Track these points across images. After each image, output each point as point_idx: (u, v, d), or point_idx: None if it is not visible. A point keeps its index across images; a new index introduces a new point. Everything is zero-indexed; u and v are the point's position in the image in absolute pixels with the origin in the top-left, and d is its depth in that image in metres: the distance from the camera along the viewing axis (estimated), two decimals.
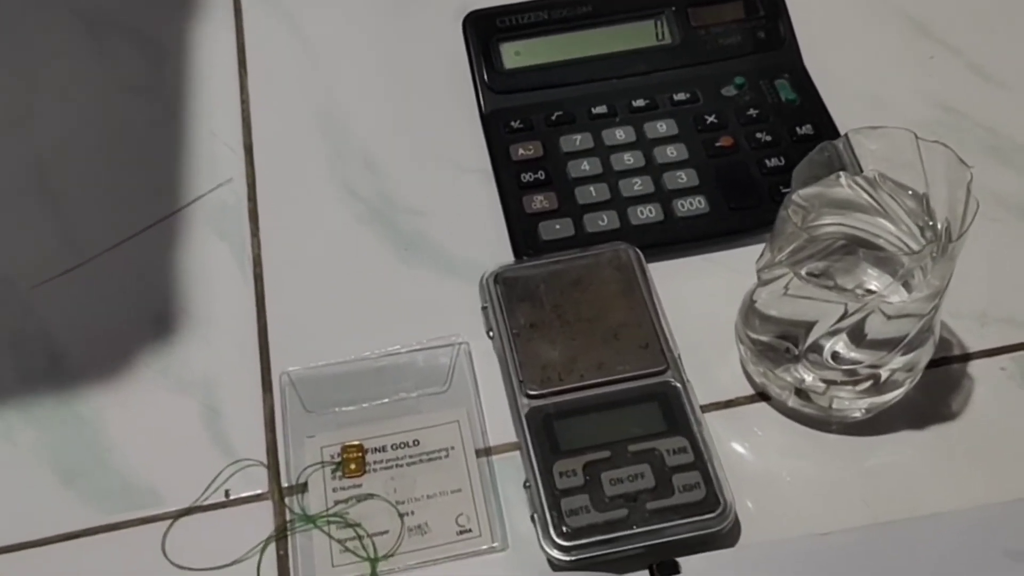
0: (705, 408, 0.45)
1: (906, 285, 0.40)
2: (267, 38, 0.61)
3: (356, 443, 0.44)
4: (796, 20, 0.56)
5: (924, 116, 0.55)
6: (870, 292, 0.41)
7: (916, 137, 0.40)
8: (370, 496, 0.43)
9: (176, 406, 0.46)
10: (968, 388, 0.45)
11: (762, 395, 0.46)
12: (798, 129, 0.53)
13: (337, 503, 0.43)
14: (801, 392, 0.44)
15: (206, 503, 0.43)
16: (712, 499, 0.40)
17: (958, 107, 0.55)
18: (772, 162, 0.52)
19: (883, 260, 0.41)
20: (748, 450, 0.44)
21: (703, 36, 0.56)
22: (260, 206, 0.53)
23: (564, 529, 0.40)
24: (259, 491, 0.44)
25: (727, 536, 0.41)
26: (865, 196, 0.42)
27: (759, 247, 0.43)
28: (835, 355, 0.42)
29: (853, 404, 0.44)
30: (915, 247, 0.41)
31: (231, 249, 0.52)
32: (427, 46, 0.59)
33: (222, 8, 0.62)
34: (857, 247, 0.40)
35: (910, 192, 0.41)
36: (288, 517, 0.43)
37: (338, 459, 0.44)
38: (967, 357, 0.46)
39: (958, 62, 0.58)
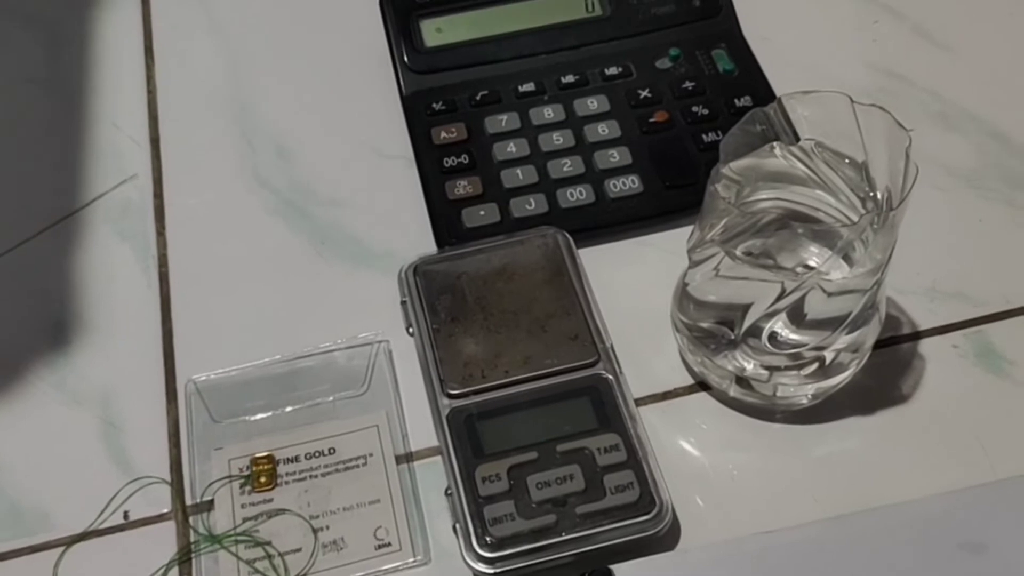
0: (641, 401, 0.42)
1: (847, 259, 0.38)
2: (176, 24, 0.57)
3: (266, 454, 0.41)
4: None
5: (868, 83, 0.52)
6: (809, 269, 0.38)
7: (852, 101, 0.37)
8: (281, 511, 0.40)
9: (72, 421, 0.43)
10: (919, 368, 0.43)
11: (702, 385, 0.43)
12: (736, 101, 0.50)
13: (246, 520, 0.39)
14: (742, 380, 0.41)
15: (103, 527, 0.40)
16: (647, 500, 0.37)
17: (903, 72, 0.53)
18: (710, 137, 0.49)
19: (821, 234, 0.38)
20: (688, 444, 0.41)
21: (635, 6, 0.53)
22: (166, 202, 0.50)
23: (488, 539, 0.37)
24: (161, 511, 0.40)
25: (664, 539, 0.38)
26: (801, 167, 0.40)
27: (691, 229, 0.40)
28: (775, 337, 0.39)
29: (798, 390, 0.41)
30: (855, 219, 0.38)
31: (134, 250, 0.48)
32: (343, 26, 0.56)
33: None
34: (791, 222, 0.37)
35: (848, 161, 0.39)
36: (192, 538, 0.39)
37: (247, 472, 0.40)
38: (917, 335, 0.44)
39: (902, 26, 0.55)
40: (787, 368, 0.40)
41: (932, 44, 0.54)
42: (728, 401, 0.42)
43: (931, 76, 0.52)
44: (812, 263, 0.38)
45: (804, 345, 0.39)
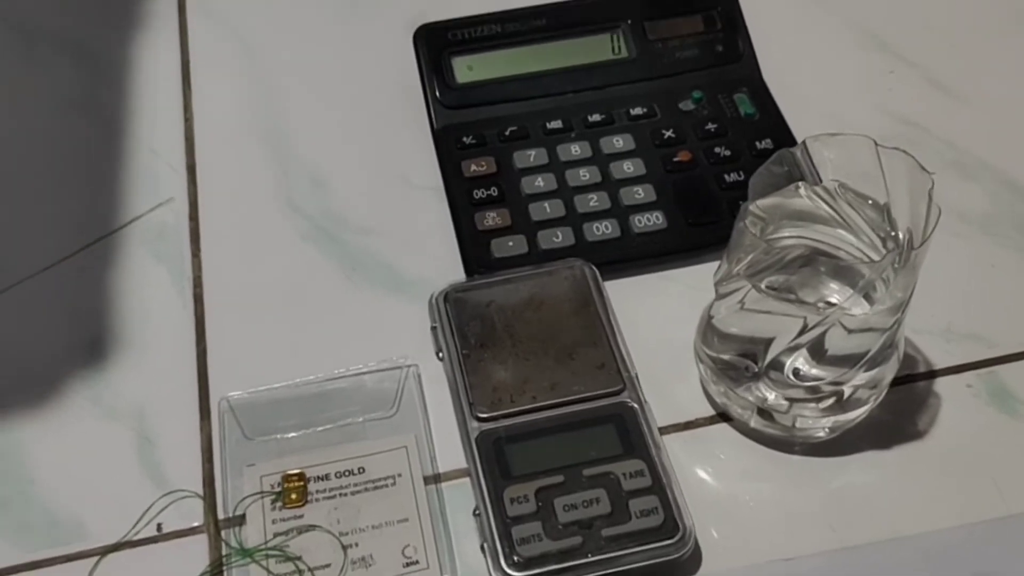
0: (664, 430, 0.43)
1: (868, 298, 0.39)
2: (212, 55, 0.59)
3: (298, 472, 0.42)
4: (754, 34, 0.55)
5: (884, 130, 0.54)
6: (830, 305, 0.39)
7: (875, 144, 0.39)
8: (312, 527, 0.40)
9: (107, 435, 0.44)
10: (934, 406, 0.44)
11: (723, 416, 0.44)
12: (757, 143, 0.52)
13: (276, 535, 0.40)
14: (763, 412, 0.42)
15: (136, 538, 0.41)
16: (671, 525, 0.38)
17: (918, 121, 0.55)
18: (731, 177, 0.51)
19: (844, 271, 0.39)
20: (709, 474, 0.42)
21: (660, 50, 0.55)
22: (202, 226, 0.51)
23: (515, 559, 0.38)
24: (194, 524, 0.41)
25: (687, 564, 0.39)
26: (824, 207, 0.41)
27: (718, 264, 0.42)
28: (796, 372, 0.41)
29: (816, 423, 0.42)
30: (877, 258, 0.40)
31: (169, 271, 0.49)
32: (377, 61, 0.58)
33: (166, 23, 0.60)
34: (817, 258, 0.39)
35: (870, 202, 0.40)
36: (224, 551, 0.40)
37: (278, 489, 0.41)
38: (932, 374, 0.45)
39: (917, 76, 0.57)
40: (806, 400, 0.41)
41: (946, 94, 0.56)
42: (749, 432, 0.43)
43: (946, 125, 0.54)
44: (832, 299, 0.40)
45: (823, 379, 0.41)
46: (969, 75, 0.57)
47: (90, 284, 0.49)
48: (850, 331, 0.39)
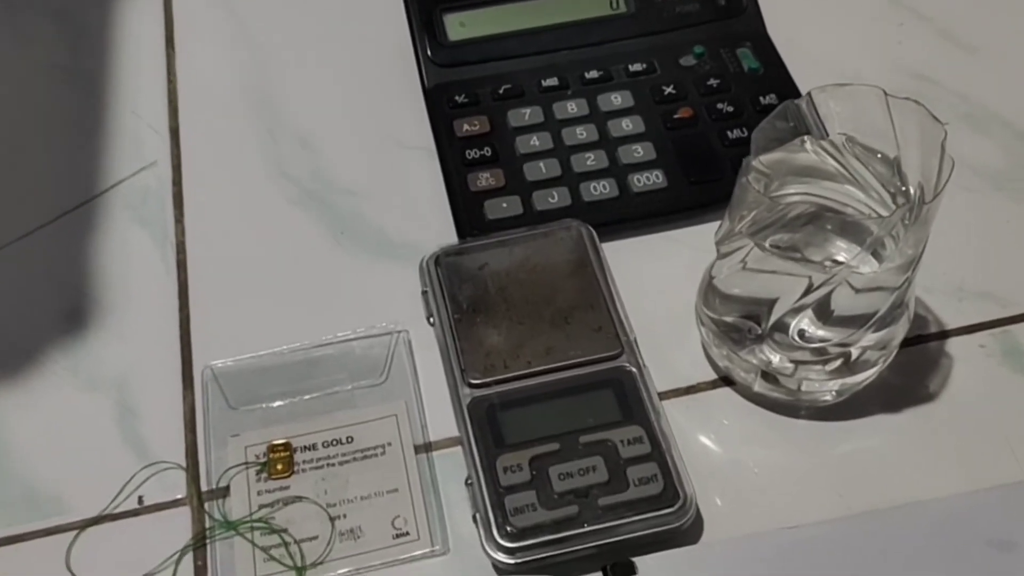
0: (664, 395, 0.41)
1: (876, 256, 0.37)
2: (197, 16, 0.57)
3: (284, 441, 0.40)
4: None
5: (894, 85, 0.50)
6: (837, 263, 0.37)
7: (885, 94, 0.37)
8: (298, 499, 0.39)
9: (87, 406, 0.42)
10: (946, 367, 0.42)
11: (725, 380, 0.42)
12: (761, 99, 0.50)
13: (262, 507, 0.39)
14: (768, 375, 0.40)
15: (117, 511, 0.39)
16: (671, 492, 0.37)
17: (929, 74, 0.53)
18: (734, 133, 0.49)
19: (851, 228, 0.38)
20: (711, 440, 0.41)
21: (659, 4, 0.53)
22: (185, 190, 0.50)
23: (508, 529, 0.36)
24: (176, 496, 0.40)
25: (688, 533, 0.37)
26: (832, 162, 0.39)
27: (720, 222, 0.40)
28: (802, 334, 0.39)
29: (823, 386, 0.40)
30: (886, 214, 0.38)
31: (152, 236, 0.48)
32: (366, 18, 0.56)
33: None
34: (823, 214, 0.37)
35: (880, 156, 0.38)
36: (208, 524, 0.39)
37: (264, 459, 0.40)
38: (944, 334, 0.43)
39: (928, 28, 0.55)
40: (812, 362, 0.40)
41: (958, 47, 0.54)
42: (752, 397, 0.42)
43: (957, 78, 0.52)
44: (840, 258, 0.38)
45: (830, 341, 0.39)
46: (982, 27, 0.54)
47: (70, 250, 0.47)
48: (858, 290, 0.37)
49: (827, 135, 0.39)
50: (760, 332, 0.39)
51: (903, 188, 0.38)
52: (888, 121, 0.37)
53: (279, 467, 0.40)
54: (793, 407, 0.41)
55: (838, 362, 0.40)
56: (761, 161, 0.38)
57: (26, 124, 0.52)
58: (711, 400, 0.42)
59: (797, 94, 0.50)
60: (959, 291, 0.44)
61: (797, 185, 0.39)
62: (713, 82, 0.51)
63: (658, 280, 0.45)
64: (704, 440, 0.41)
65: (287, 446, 0.40)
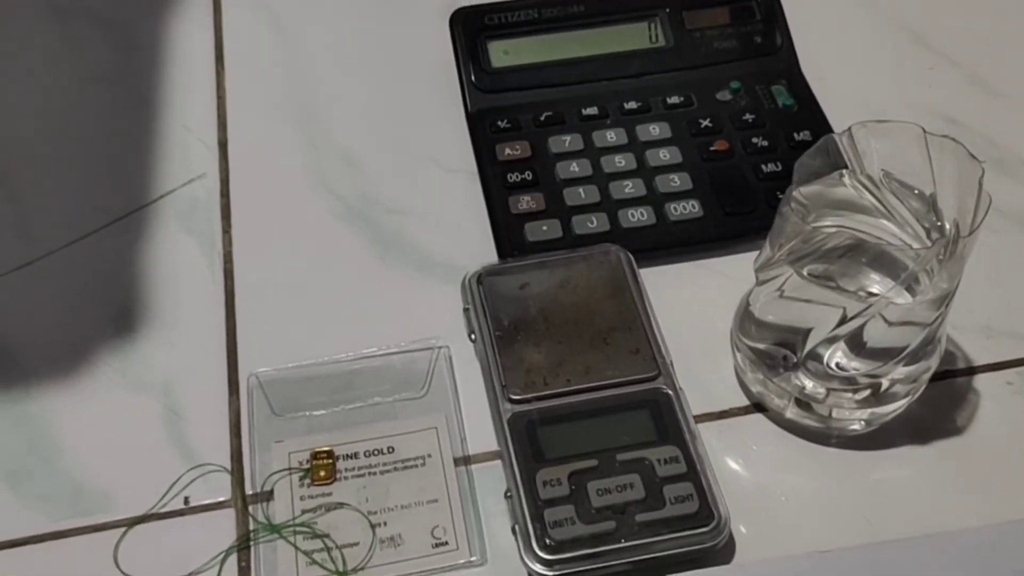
0: (697, 419, 0.42)
1: (910, 291, 0.38)
2: (246, 33, 0.59)
3: (326, 449, 0.41)
4: (793, 27, 0.55)
5: (925, 126, 0.53)
6: (872, 295, 0.38)
7: (924, 132, 0.38)
8: (340, 505, 0.40)
9: (135, 407, 0.43)
10: (973, 403, 0.43)
11: (757, 406, 0.43)
12: (795, 135, 0.51)
13: (304, 512, 0.40)
14: (800, 402, 0.41)
15: (163, 510, 0.40)
16: (706, 512, 0.38)
17: (958, 118, 0.54)
18: (768, 168, 0.50)
19: (886, 261, 0.39)
20: (742, 464, 0.42)
21: (697, 39, 0.54)
22: (233, 202, 0.51)
23: (547, 542, 0.37)
24: (221, 498, 0.41)
25: (721, 552, 0.38)
26: (868, 196, 0.40)
27: (755, 254, 0.41)
28: (835, 365, 0.40)
29: (853, 414, 0.41)
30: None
31: (200, 246, 0.49)
32: (413, 43, 0.57)
33: (200, 2, 0.60)
34: (860, 246, 0.38)
35: (916, 192, 0.39)
36: (251, 526, 0.40)
37: (307, 466, 0.41)
38: (972, 371, 0.44)
39: (957, 73, 0.56)
40: (843, 390, 0.41)
41: (986, 91, 0.55)
42: (784, 423, 0.43)
43: (985, 123, 0.53)
44: (874, 290, 0.39)
45: (860, 371, 0.40)
46: (1010, 73, 0.56)
47: (121, 256, 0.48)
48: (891, 324, 0.38)
49: (865, 170, 0.40)
50: (795, 361, 0.40)
51: (938, 224, 0.39)
52: (926, 158, 0.39)
53: (322, 474, 0.41)
54: (824, 435, 0.42)
55: (867, 392, 0.41)
56: (801, 192, 0.39)
57: (78, 133, 0.54)
58: (743, 425, 0.43)
59: (830, 131, 0.52)
60: (987, 329, 0.45)
61: (833, 217, 0.41)
62: (748, 117, 0.52)
63: (692, 306, 0.46)
64: (735, 464, 0.42)
65: (330, 454, 0.41)
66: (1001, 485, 0.41)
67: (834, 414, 0.41)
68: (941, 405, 0.43)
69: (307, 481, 0.41)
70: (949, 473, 0.41)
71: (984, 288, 0.46)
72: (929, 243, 0.39)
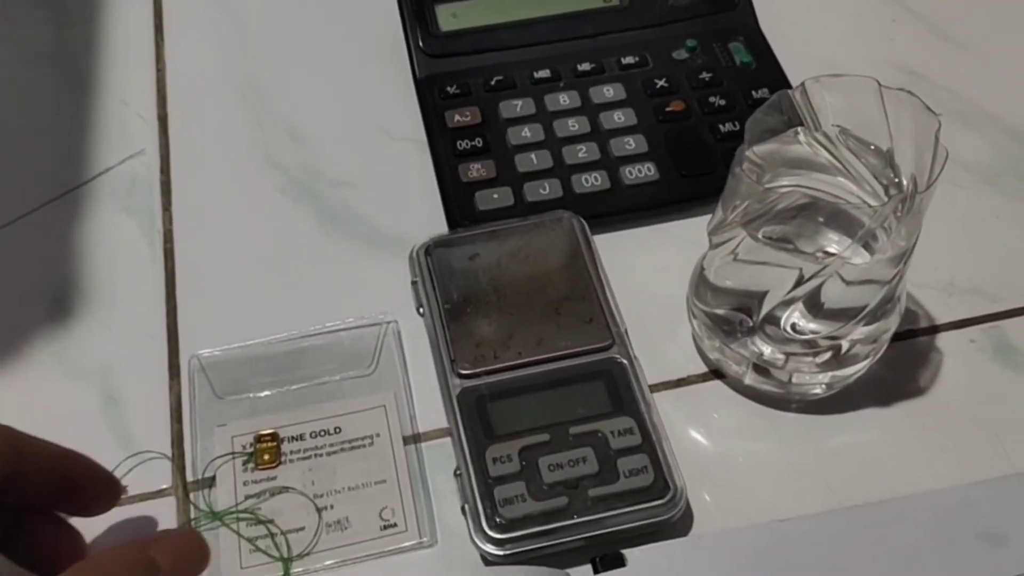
0: (654, 387, 0.41)
1: (868, 248, 0.37)
2: (186, 2, 0.56)
3: (270, 432, 0.40)
4: None
5: (885, 80, 0.50)
6: (829, 255, 0.37)
7: (879, 86, 0.37)
8: (285, 489, 0.39)
9: (72, 394, 0.42)
10: (936, 362, 0.42)
11: (716, 373, 0.42)
12: (754, 93, 0.50)
13: (248, 498, 0.38)
14: (759, 367, 0.40)
15: None
16: (661, 484, 0.37)
17: (919, 70, 0.53)
18: (726, 127, 0.49)
19: (843, 220, 0.37)
20: (701, 432, 0.41)
21: None
22: (173, 179, 0.49)
23: (497, 520, 0.36)
24: (162, 486, 0.39)
25: (678, 525, 0.37)
26: (824, 154, 0.39)
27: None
28: (793, 327, 0.39)
29: (813, 378, 0.40)
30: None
31: (139, 225, 0.47)
32: (357, 8, 0.55)
33: None
34: (815, 205, 0.37)
35: (873, 147, 0.38)
36: (193, 514, 0.38)
37: (250, 450, 0.40)
38: (934, 329, 0.43)
39: (919, 25, 0.55)
40: (803, 354, 0.39)
41: (949, 43, 0.54)
42: (743, 390, 0.41)
43: (948, 74, 0.52)
44: (832, 250, 0.38)
45: (820, 333, 0.39)
46: (973, 24, 0.55)
47: (57, 238, 0.47)
48: (848, 283, 0.37)
49: (820, 126, 0.39)
50: (752, 324, 0.39)
51: (896, 180, 0.38)
52: (882, 113, 0.37)
53: (266, 457, 0.39)
54: (784, 400, 0.41)
55: (828, 355, 0.40)
56: (754, 151, 0.38)
57: (11, 110, 0.52)
58: (701, 393, 0.42)
59: (789, 87, 0.50)
60: (949, 286, 0.44)
61: (789, 177, 0.39)
62: (705, 76, 0.50)
63: (649, 272, 0.45)
64: (694, 433, 0.41)
65: (274, 436, 0.40)
66: (964, 445, 0.40)
67: (794, 379, 0.40)
68: (903, 365, 0.42)
69: (251, 466, 0.39)
70: (912, 435, 0.40)
71: (946, 244, 0.45)
72: (887, 199, 0.38)
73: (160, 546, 0.32)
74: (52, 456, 0.34)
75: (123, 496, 0.38)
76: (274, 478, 0.39)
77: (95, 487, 0.35)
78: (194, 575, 0.33)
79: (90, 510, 0.35)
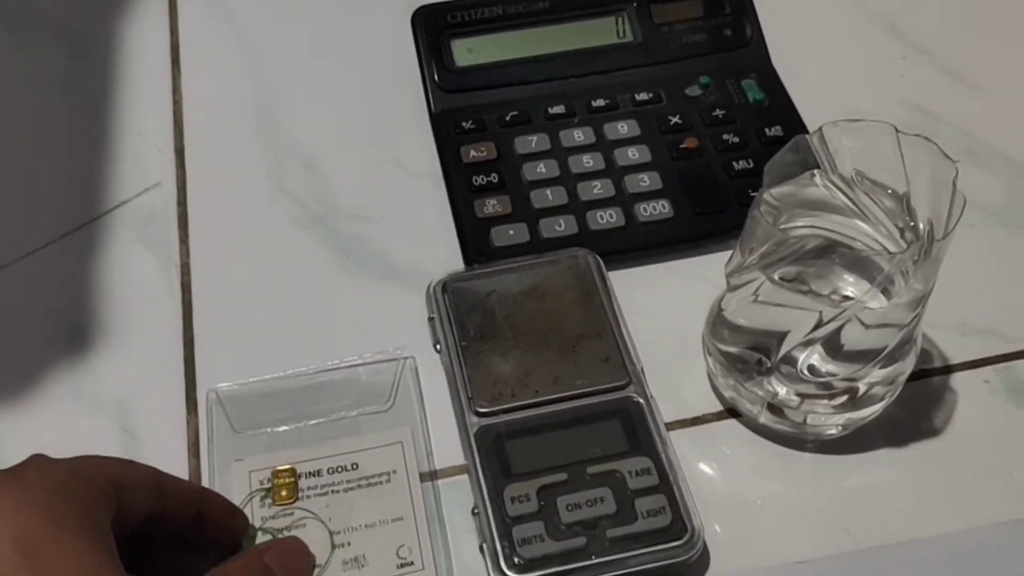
0: (669, 425, 0.41)
1: (885, 292, 0.37)
2: (203, 35, 0.57)
3: (288, 467, 0.40)
4: (763, 19, 0.54)
5: (896, 118, 0.51)
6: (846, 299, 0.37)
7: (896, 131, 0.37)
8: (302, 525, 0.39)
9: (89, 428, 0.42)
10: (951, 402, 0.42)
11: (731, 411, 0.42)
12: (767, 131, 0.50)
13: (265, 533, 0.38)
14: (774, 407, 0.40)
15: None
16: (679, 525, 0.37)
17: (931, 109, 0.53)
18: (740, 165, 0.49)
19: (860, 263, 0.38)
20: (716, 471, 0.41)
21: (666, 34, 0.53)
22: (190, 211, 0.49)
23: (516, 560, 0.36)
24: None
25: (695, 566, 0.37)
26: (841, 196, 0.39)
27: (727, 254, 0.40)
28: (811, 368, 0.39)
29: (829, 419, 0.40)
30: (894, 249, 0.38)
31: (157, 258, 0.48)
32: (373, 42, 0.56)
33: (155, 4, 0.58)
34: (833, 248, 0.37)
35: (889, 191, 0.38)
36: None
37: (268, 485, 0.40)
38: (948, 369, 0.43)
39: (930, 64, 0.55)
40: (818, 396, 0.40)
41: (960, 82, 0.54)
42: (758, 429, 0.42)
43: (960, 114, 0.53)
44: (848, 293, 0.38)
45: (837, 375, 0.39)
46: (983, 63, 0.55)
47: (74, 270, 0.47)
48: (867, 326, 0.37)
49: (836, 169, 0.39)
50: (769, 365, 0.39)
51: (912, 224, 0.38)
52: (899, 157, 0.37)
53: (283, 493, 0.39)
54: (798, 440, 0.41)
55: (844, 397, 0.40)
56: (771, 193, 0.38)
57: (28, 142, 0.52)
58: (716, 431, 0.42)
59: (802, 126, 0.51)
60: (963, 326, 0.45)
61: (805, 218, 0.40)
62: (719, 113, 0.51)
63: (663, 310, 0.45)
64: (709, 471, 0.41)
65: (292, 472, 0.40)
66: (979, 487, 0.40)
67: (809, 420, 0.40)
68: (918, 406, 0.42)
69: (268, 501, 0.39)
70: (927, 475, 0.40)
71: (959, 285, 0.45)
72: (903, 243, 0.38)
73: (272, 553, 0.35)
74: (189, 492, 0.36)
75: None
76: (291, 514, 0.39)
77: (225, 520, 0.37)
78: None
79: (219, 541, 0.37)
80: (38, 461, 0.32)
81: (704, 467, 0.41)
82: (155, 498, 0.34)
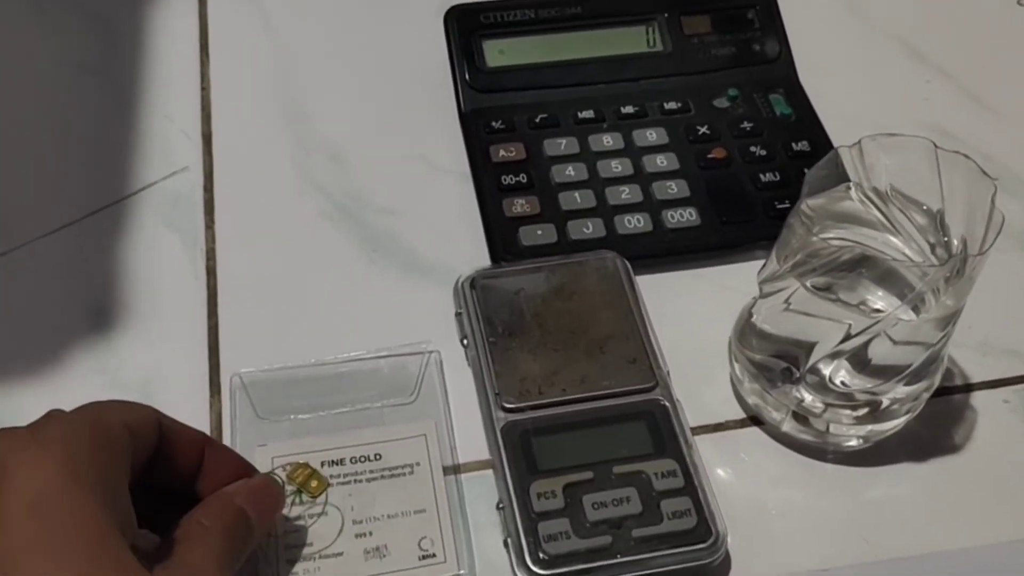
0: (693, 431, 0.41)
1: (915, 309, 0.38)
2: (232, 23, 0.57)
3: (307, 462, 0.40)
4: (791, 36, 0.54)
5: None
6: (875, 311, 0.38)
7: (935, 147, 0.37)
8: (324, 514, 0.39)
9: None
10: (970, 420, 0.43)
11: (754, 419, 0.43)
12: (794, 145, 0.51)
13: (287, 520, 0.38)
14: (797, 415, 0.41)
15: None
16: (703, 528, 0.37)
17: (954, 132, 0.53)
18: (766, 177, 0.49)
19: (892, 279, 0.38)
20: (738, 477, 0.41)
21: (696, 45, 0.54)
22: (217, 197, 0.49)
23: (541, 556, 0.36)
24: None
25: (718, 570, 0.37)
26: (874, 210, 0.40)
27: (751, 264, 0.40)
28: (836, 380, 0.39)
29: (850, 430, 0.41)
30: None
31: (182, 241, 0.47)
32: (405, 40, 0.56)
33: None
34: (867, 260, 0.37)
35: (924, 207, 0.39)
36: None
37: (293, 475, 0.39)
38: (969, 388, 0.44)
39: (953, 88, 0.56)
40: (842, 406, 0.40)
41: (983, 107, 0.55)
42: (780, 437, 0.42)
43: (982, 138, 0.53)
44: (877, 306, 0.38)
45: (861, 389, 0.39)
46: (1006, 89, 0.56)
47: (99, 251, 0.47)
48: (895, 342, 0.38)
49: (872, 183, 0.39)
50: (797, 375, 0.39)
51: (944, 240, 0.39)
52: (935, 174, 0.38)
53: (314, 484, 0.39)
54: (820, 450, 0.42)
55: (865, 409, 0.40)
56: (808, 204, 0.38)
57: (56, 122, 0.52)
58: (739, 439, 0.42)
59: (828, 142, 0.51)
60: (984, 346, 0.45)
61: (838, 230, 0.40)
62: (746, 125, 0.51)
63: (688, 316, 0.45)
64: (731, 478, 0.41)
65: (312, 470, 0.39)
66: (997, 504, 0.40)
67: (831, 429, 0.41)
68: (938, 422, 0.42)
69: (300, 497, 0.39)
70: (946, 491, 0.41)
71: (981, 304, 0.45)
72: (933, 259, 0.38)
73: (243, 495, 0.35)
74: (192, 438, 0.35)
75: None
76: (316, 503, 0.39)
77: (230, 471, 0.36)
78: (271, 517, 0.37)
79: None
80: (57, 416, 0.32)
81: (726, 473, 0.41)
82: (156, 437, 0.33)
